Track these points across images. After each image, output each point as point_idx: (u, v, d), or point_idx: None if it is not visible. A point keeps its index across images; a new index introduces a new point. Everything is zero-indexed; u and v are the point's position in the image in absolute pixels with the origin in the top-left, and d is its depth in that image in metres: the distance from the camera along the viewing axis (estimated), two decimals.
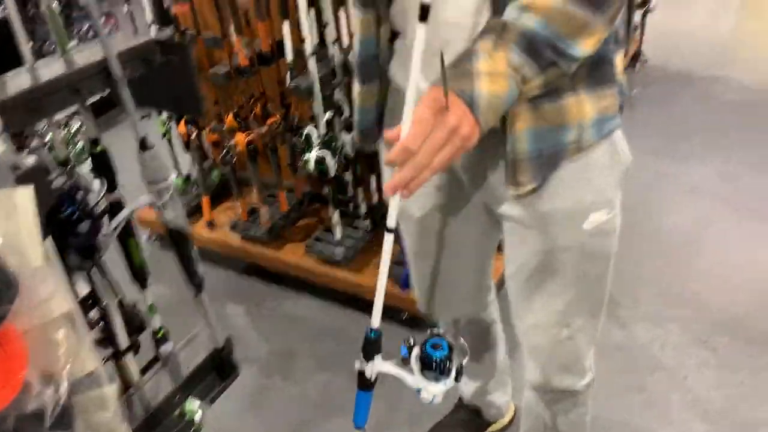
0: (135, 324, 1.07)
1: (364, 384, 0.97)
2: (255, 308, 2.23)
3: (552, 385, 1.21)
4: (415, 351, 0.92)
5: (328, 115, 1.93)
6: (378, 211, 2.18)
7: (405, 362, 0.92)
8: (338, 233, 2.09)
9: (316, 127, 1.93)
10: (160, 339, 1.16)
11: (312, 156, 1.90)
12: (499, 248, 1.28)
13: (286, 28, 1.86)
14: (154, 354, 1.22)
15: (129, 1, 2.51)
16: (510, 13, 0.79)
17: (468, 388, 1.66)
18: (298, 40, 1.86)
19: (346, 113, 1.95)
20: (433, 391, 0.90)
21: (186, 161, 2.47)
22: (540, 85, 0.80)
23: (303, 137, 1.95)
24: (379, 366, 0.94)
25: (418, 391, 0.91)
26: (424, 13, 0.72)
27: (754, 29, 4.39)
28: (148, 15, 2.11)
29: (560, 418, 1.28)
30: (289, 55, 1.88)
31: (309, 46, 1.81)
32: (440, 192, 1.13)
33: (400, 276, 1.92)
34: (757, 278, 2.17)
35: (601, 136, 0.95)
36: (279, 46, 1.96)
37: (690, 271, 2.23)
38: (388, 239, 0.83)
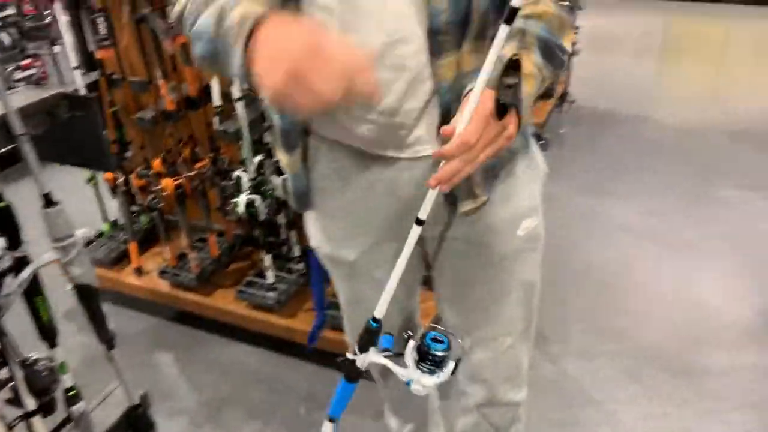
0: (40, 385, 1.02)
1: (353, 375, 0.93)
2: (185, 356, 2.16)
3: (497, 398, 1.25)
4: (412, 343, 0.91)
5: (259, 158, 1.92)
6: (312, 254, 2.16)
7: (387, 353, 0.91)
8: (270, 277, 2.06)
9: (246, 170, 1.92)
10: (72, 398, 1.11)
11: (241, 199, 1.88)
12: (426, 285, 1.30)
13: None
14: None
15: (54, 44, 2.47)
16: (516, 22, 0.82)
17: (401, 428, 1.64)
18: (226, 84, 1.85)
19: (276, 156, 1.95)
20: (426, 383, 0.88)
21: (114, 206, 2.41)
22: (549, 83, 0.87)
23: (233, 181, 1.93)
24: (372, 357, 0.91)
25: (408, 383, 0.90)
26: (510, 16, 0.71)
27: (674, 72, 4.65)
28: (73, 60, 2.07)
29: None
30: (217, 100, 1.87)
31: (236, 90, 1.81)
32: (374, 233, 1.12)
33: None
34: (681, 311, 2.25)
35: (522, 144, 1.03)
36: (207, 90, 1.95)
37: (618, 306, 2.29)
38: (416, 231, 0.83)
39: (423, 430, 1.61)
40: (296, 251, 2.14)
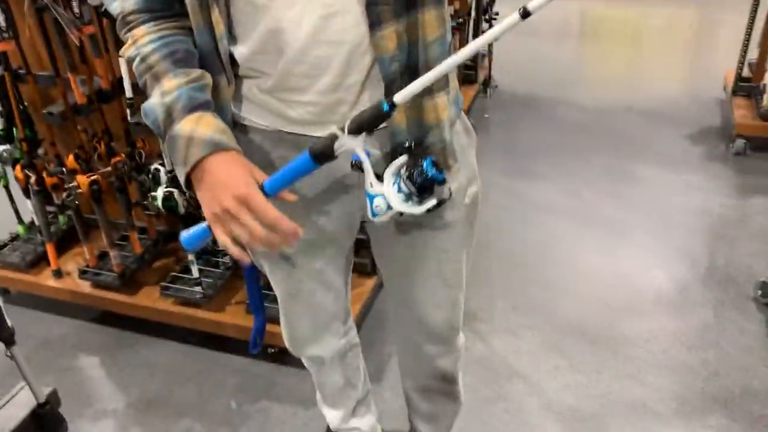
0: None
1: (323, 155, 0.83)
2: (110, 358, 2.10)
3: (453, 347, 1.34)
4: (403, 159, 0.84)
5: None
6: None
7: (354, 167, 0.84)
8: (195, 272, 2.02)
9: (163, 163, 1.88)
10: None
11: (159, 193, 1.84)
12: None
13: (123, 63, 1.80)
14: None
15: None
16: None
17: (335, 414, 1.64)
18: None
19: None
20: (395, 204, 0.81)
21: (29, 207, 2.31)
22: None
23: (150, 175, 1.89)
24: (357, 143, 0.81)
25: (372, 198, 0.84)
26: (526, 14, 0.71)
27: (591, 55, 4.80)
28: None
29: (459, 375, 1.43)
30: (129, 91, 1.82)
31: None
32: (316, 222, 1.10)
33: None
34: (598, 284, 2.34)
35: (457, 113, 1.05)
36: (121, 81, 1.89)
37: (540, 282, 2.36)
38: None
39: (357, 412, 1.62)
40: None
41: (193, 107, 0.88)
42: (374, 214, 0.86)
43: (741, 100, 3.32)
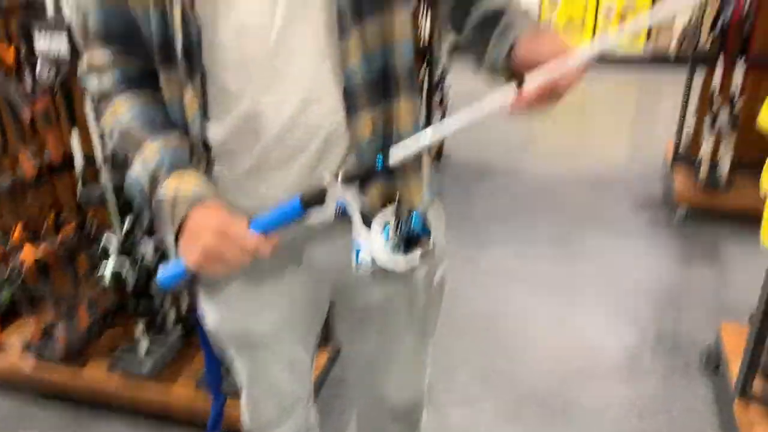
0: None
1: (311, 200, 0.85)
2: None
3: (420, 423, 1.34)
4: (392, 209, 0.86)
5: (128, 222, 1.86)
6: (189, 319, 2.10)
7: (339, 215, 0.86)
8: (143, 346, 1.97)
9: (114, 233, 1.86)
10: None
11: (108, 269, 1.81)
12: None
13: (75, 135, 1.80)
14: None
15: None
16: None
17: None
18: (89, 148, 1.80)
19: (148, 219, 1.90)
20: (379, 255, 0.84)
21: None
22: None
23: (100, 247, 1.86)
24: (350, 194, 0.84)
25: (357, 252, 0.85)
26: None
27: (539, 125, 4.98)
28: None
29: None
30: (79, 165, 1.82)
31: (99, 153, 1.76)
32: (287, 305, 1.10)
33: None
34: (552, 351, 2.36)
35: (432, 198, 1.08)
36: (71, 156, 1.89)
37: (497, 350, 2.37)
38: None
39: None
40: (172, 316, 2.07)
41: (175, 167, 0.90)
42: (358, 263, 0.88)
43: (681, 170, 3.47)
